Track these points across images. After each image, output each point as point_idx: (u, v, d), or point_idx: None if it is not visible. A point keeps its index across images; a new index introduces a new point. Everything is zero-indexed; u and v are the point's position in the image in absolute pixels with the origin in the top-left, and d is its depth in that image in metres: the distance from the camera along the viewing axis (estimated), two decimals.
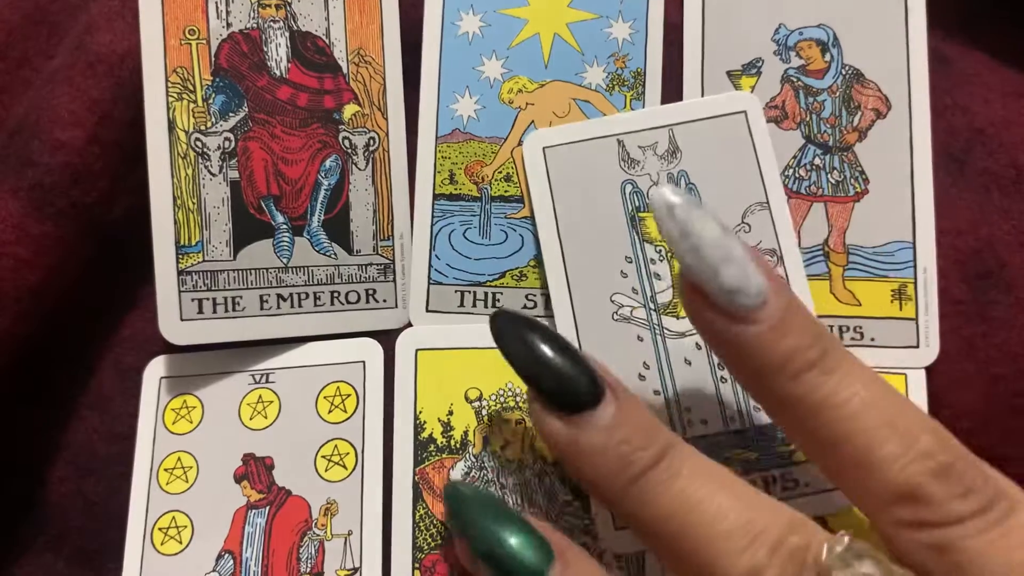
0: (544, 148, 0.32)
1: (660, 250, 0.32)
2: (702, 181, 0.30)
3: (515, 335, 0.26)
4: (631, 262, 0.32)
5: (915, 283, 0.32)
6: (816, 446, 0.25)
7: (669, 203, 0.24)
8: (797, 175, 0.32)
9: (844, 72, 0.33)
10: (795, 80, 0.33)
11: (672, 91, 0.33)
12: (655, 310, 0.31)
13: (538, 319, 0.27)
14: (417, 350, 0.32)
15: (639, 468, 0.24)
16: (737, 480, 0.25)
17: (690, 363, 0.31)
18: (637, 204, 0.32)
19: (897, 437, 0.23)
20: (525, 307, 0.32)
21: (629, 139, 0.32)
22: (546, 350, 0.26)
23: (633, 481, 0.24)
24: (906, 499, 0.23)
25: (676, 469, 0.24)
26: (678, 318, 0.31)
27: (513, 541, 0.25)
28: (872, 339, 0.31)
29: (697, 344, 0.31)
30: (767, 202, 0.32)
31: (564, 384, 0.25)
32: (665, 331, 0.31)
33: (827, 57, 0.33)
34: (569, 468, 0.26)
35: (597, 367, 0.26)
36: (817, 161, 0.32)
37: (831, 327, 0.32)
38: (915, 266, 0.32)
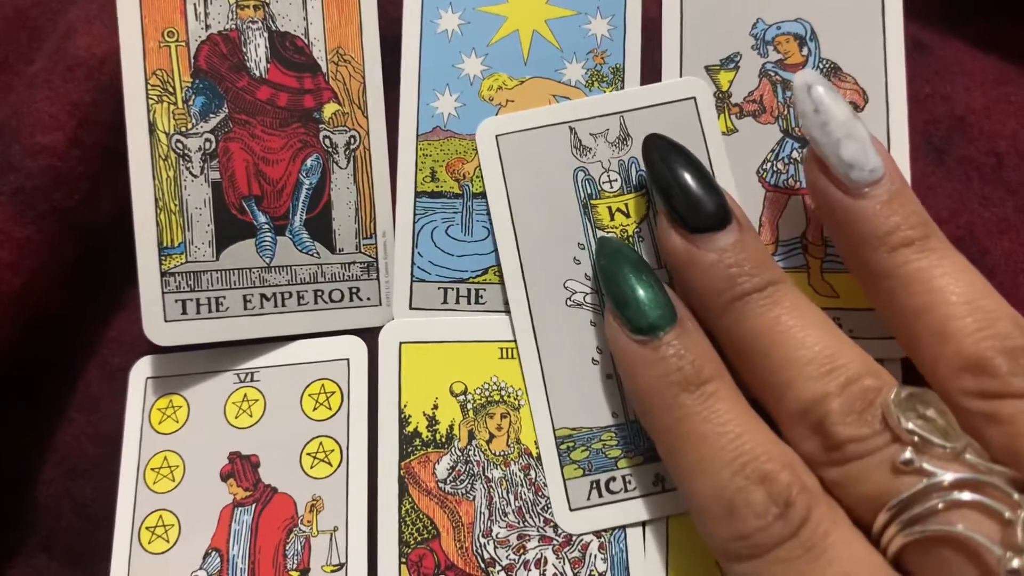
0: (497, 136, 0.32)
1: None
2: None
3: (658, 155, 0.29)
4: (584, 248, 0.32)
5: None
6: (900, 316, 0.27)
7: (807, 83, 0.27)
8: (775, 169, 0.32)
9: (822, 66, 0.33)
10: (773, 74, 0.33)
11: None
12: None
13: (684, 147, 0.29)
14: (401, 343, 0.32)
15: (743, 290, 0.27)
16: (832, 324, 0.27)
17: None
18: (589, 191, 0.32)
19: (978, 315, 0.25)
20: (507, 302, 0.33)
21: (581, 126, 0.32)
22: (683, 172, 0.28)
23: (735, 300, 0.27)
24: (974, 368, 0.24)
25: (777, 299, 0.27)
26: None
27: (643, 292, 0.28)
28: (850, 330, 0.31)
29: None
30: None
31: (692, 205, 0.28)
32: None
33: (805, 51, 0.33)
34: (679, 280, 0.29)
35: (729, 199, 0.28)
36: (795, 155, 0.32)
37: None
38: None
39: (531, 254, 0.32)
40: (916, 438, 0.24)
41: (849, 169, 0.27)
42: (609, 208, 0.32)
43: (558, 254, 0.32)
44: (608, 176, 0.32)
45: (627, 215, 0.32)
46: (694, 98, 0.32)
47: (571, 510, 0.31)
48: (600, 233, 0.32)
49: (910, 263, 0.26)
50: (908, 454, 0.24)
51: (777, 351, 0.26)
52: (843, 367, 0.25)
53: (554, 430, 0.31)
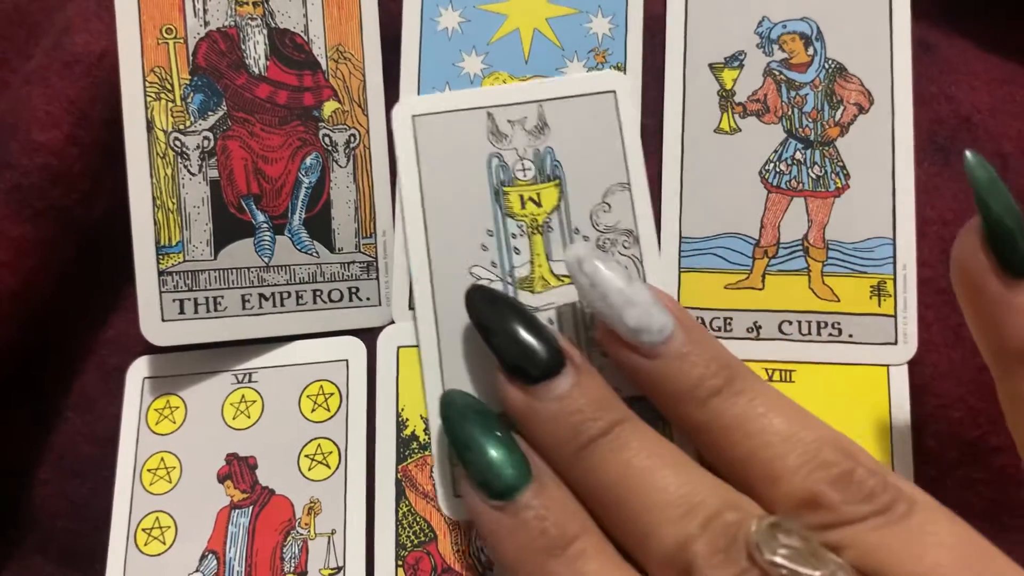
0: (413, 116, 0.32)
1: (521, 225, 0.32)
2: (567, 159, 0.30)
3: (485, 309, 0.28)
4: (492, 235, 0.32)
5: (894, 280, 0.31)
6: (729, 465, 0.26)
7: (579, 258, 0.27)
8: (778, 169, 0.32)
9: (827, 66, 0.32)
10: (777, 73, 0.33)
11: (653, 85, 0.33)
12: (512, 284, 0.31)
13: (509, 296, 0.29)
14: (399, 347, 0.32)
15: (587, 437, 0.26)
16: (684, 457, 0.26)
17: None
18: (502, 178, 0.32)
19: (799, 450, 0.25)
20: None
21: (499, 112, 0.32)
22: (511, 323, 0.27)
23: (582, 448, 0.26)
24: (808, 505, 0.24)
25: (624, 441, 0.26)
26: (533, 292, 0.32)
27: (494, 453, 0.26)
28: (850, 335, 0.31)
29: (550, 319, 0.31)
30: (628, 184, 0.32)
31: (524, 356, 0.27)
32: None
33: (810, 51, 0.32)
34: (526, 435, 0.27)
35: (560, 340, 0.28)
36: (798, 155, 0.32)
37: (809, 322, 0.32)
38: (895, 263, 0.31)
39: (438, 238, 0.32)
40: (784, 571, 0.23)
41: (638, 334, 0.27)
42: (521, 196, 0.32)
43: (466, 239, 0.32)
44: (523, 164, 0.32)
45: (538, 204, 0.32)
46: (614, 91, 0.32)
47: (455, 496, 0.30)
48: (509, 220, 0.32)
49: (724, 413, 0.26)
50: None
51: (633, 498, 0.25)
52: (701, 504, 0.25)
53: None
